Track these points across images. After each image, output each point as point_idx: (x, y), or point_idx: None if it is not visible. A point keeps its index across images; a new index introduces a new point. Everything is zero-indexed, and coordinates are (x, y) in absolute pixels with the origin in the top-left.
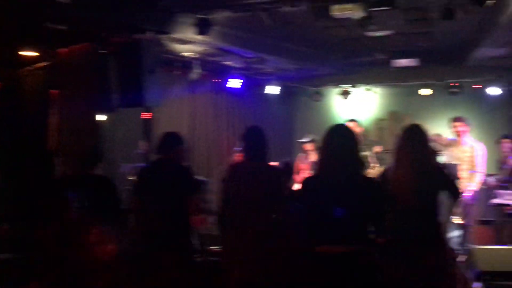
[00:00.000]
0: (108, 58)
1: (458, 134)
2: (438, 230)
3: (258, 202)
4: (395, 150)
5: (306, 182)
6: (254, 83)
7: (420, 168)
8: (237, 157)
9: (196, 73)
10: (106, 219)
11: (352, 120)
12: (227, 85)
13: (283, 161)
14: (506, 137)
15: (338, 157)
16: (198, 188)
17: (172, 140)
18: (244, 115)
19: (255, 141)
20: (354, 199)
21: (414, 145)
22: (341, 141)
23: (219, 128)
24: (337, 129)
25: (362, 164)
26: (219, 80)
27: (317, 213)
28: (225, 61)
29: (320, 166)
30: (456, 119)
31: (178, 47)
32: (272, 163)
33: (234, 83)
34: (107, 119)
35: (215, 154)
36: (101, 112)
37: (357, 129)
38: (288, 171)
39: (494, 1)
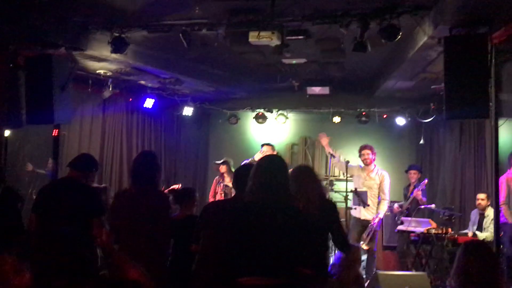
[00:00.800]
0: (17, 72)
1: (366, 161)
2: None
3: (141, 228)
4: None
5: (220, 207)
6: (169, 104)
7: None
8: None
9: (109, 91)
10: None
11: (267, 144)
12: (142, 105)
13: (184, 187)
14: (414, 167)
15: (269, 187)
16: (103, 210)
17: (86, 162)
18: (159, 136)
19: (144, 167)
20: (281, 229)
21: (309, 183)
22: (273, 171)
23: (131, 148)
24: (271, 159)
25: (291, 195)
26: (133, 99)
27: (241, 242)
28: (140, 80)
29: (250, 194)
30: (364, 147)
31: (92, 64)
32: (175, 186)
33: (149, 102)
34: (14, 135)
35: (126, 174)
36: (9, 127)
37: (271, 153)
38: (187, 195)
39: (402, 37)
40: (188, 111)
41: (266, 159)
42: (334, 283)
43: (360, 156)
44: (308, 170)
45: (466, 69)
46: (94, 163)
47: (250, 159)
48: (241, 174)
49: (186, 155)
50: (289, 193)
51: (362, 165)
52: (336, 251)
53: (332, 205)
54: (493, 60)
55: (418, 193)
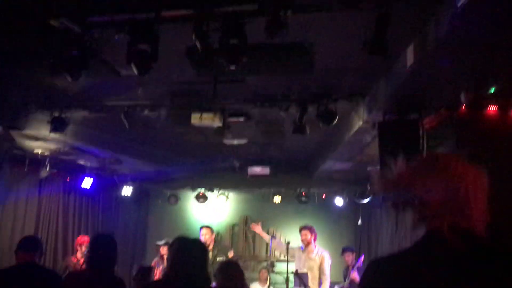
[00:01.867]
0: None
1: (305, 242)
2: None
3: None
4: None
5: None
6: (108, 183)
7: None
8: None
9: (46, 171)
10: None
11: (205, 227)
12: (80, 184)
13: (140, 265)
14: (348, 249)
15: (187, 270)
16: None
17: (35, 242)
18: (96, 216)
19: (101, 249)
20: None
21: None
22: (192, 254)
23: (67, 229)
24: (190, 242)
25: (209, 280)
26: (71, 179)
27: None
28: (79, 160)
29: (167, 276)
30: (303, 228)
31: (30, 143)
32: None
33: (87, 182)
34: None
35: (60, 253)
36: None
37: (210, 236)
38: (144, 274)
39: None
40: (127, 191)
41: (184, 241)
42: None
43: (300, 236)
44: (237, 266)
45: (400, 153)
46: (36, 244)
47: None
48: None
49: (124, 236)
50: (206, 274)
51: (303, 245)
52: None
53: None
54: (425, 145)
55: (354, 276)
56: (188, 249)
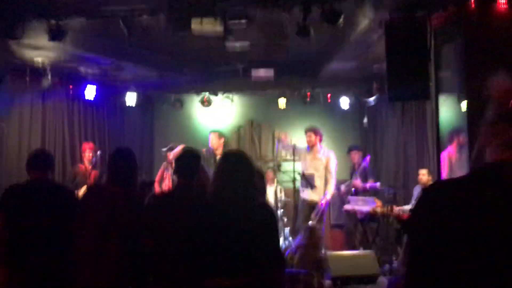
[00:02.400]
0: None
1: (312, 144)
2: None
3: (109, 232)
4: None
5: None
6: (111, 91)
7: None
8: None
9: (48, 80)
10: None
11: (213, 132)
12: (83, 93)
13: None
14: (355, 148)
15: (232, 186)
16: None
17: (45, 161)
18: (102, 124)
19: (120, 164)
20: (245, 227)
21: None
22: (237, 169)
23: (73, 137)
24: (235, 156)
25: (255, 191)
26: (74, 88)
27: (204, 243)
28: (80, 68)
29: (213, 192)
30: (309, 130)
31: (29, 53)
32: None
33: (90, 91)
34: None
35: (69, 164)
36: None
37: (219, 140)
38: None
39: (344, 21)
40: (131, 98)
41: (228, 155)
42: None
43: (306, 138)
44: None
45: (407, 51)
46: (52, 159)
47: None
48: (182, 161)
49: (131, 143)
50: (254, 190)
51: (309, 147)
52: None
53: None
54: (433, 42)
55: (356, 182)
56: (232, 162)
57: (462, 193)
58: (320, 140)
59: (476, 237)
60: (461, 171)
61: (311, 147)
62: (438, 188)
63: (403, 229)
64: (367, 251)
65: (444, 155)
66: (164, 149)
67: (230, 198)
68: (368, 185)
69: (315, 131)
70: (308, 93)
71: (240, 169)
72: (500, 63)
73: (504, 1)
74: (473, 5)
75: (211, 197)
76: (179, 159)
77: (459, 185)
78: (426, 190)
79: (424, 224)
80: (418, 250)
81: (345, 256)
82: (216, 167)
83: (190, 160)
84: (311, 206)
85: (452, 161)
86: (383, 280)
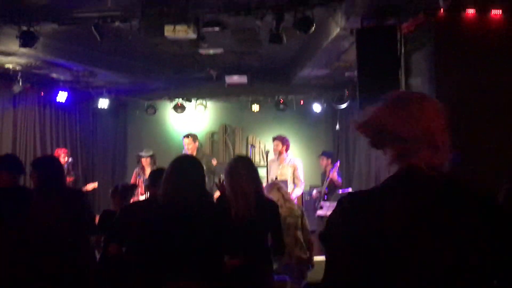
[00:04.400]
0: None
1: (278, 151)
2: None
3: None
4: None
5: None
6: (84, 97)
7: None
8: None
9: (19, 86)
10: None
11: (188, 136)
12: (55, 98)
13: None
14: (323, 154)
15: (184, 187)
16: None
17: (15, 162)
18: (73, 130)
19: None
20: (200, 229)
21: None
22: (187, 170)
23: (45, 143)
24: (184, 159)
25: (206, 193)
26: (45, 94)
27: (162, 246)
28: (52, 74)
29: (165, 196)
30: (276, 138)
31: (1, 59)
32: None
33: (62, 96)
34: None
35: None
36: None
37: (194, 143)
38: (124, 193)
39: (315, 29)
40: (103, 103)
41: (178, 159)
42: None
43: (273, 146)
44: (246, 162)
45: (378, 58)
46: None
47: None
48: (157, 176)
49: (103, 149)
50: (204, 191)
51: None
52: None
53: (271, 203)
54: (403, 50)
55: (334, 175)
56: (182, 165)
57: (375, 201)
58: (287, 149)
59: (389, 242)
60: None
61: (277, 155)
62: (352, 198)
63: (320, 239)
64: None
65: None
66: (144, 154)
67: (183, 199)
68: (340, 190)
69: (282, 139)
70: (281, 100)
71: (192, 170)
72: (469, 70)
73: (472, 9)
74: (442, 13)
75: (164, 199)
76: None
77: (371, 195)
78: (341, 200)
79: (339, 233)
80: (334, 258)
81: (317, 261)
82: (168, 169)
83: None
84: None
85: None
86: None
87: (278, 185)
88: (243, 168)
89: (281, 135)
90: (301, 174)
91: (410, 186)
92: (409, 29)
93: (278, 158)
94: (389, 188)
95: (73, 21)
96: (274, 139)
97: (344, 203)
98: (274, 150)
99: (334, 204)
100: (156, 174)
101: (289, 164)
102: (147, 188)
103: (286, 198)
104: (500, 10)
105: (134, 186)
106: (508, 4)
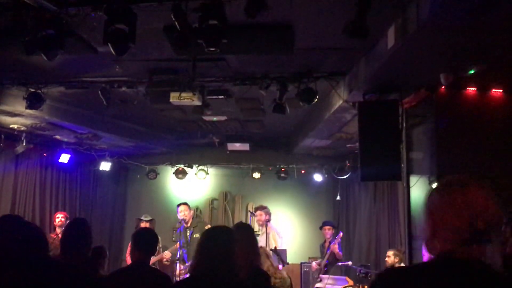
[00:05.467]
0: None
1: (261, 222)
2: None
3: None
4: None
5: None
6: (86, 159)
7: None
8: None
9: (23, 146)
10: None
11: (182, 204)
12: (57, 160)
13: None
14: (327, 223)
15: (213, 260)
16: None
17: None
18: (74, 191)
19: (73, 234)
20: None
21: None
22: (218, 244)
23: (44, 204)
24: (218, 231)
25: (235, 268)
26: (48, 155)
27: None
28: (55, 135)
29: (194, 269)
30: (259, 209)
31: (5, 119)
32: None
33: (64, 158)
34: None
35: None
36: None
37: (190, 212)
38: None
39: (318, 100)
40: (105, 166)
41: (212, 230)
42: None
43: (256, 217)
44: (246, 228)
45: (379, 131)
46: None
47: None
48: (140, 237)
49: (102, 211)
50: (233, 265)
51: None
52: None
53: (265, 276)
54: (404, 124)
55: (334, 247)
56: (215, 237)
57: (413, 281)
58: (269, 220)
59: None
60: None
61: (261, 225)
62: (390, 275)
63: None
64: None
65: None
66: (145, 219)
67: (212, 272)
68: (340, 263)
69: (265, 210)
70: (282, 168)
71: (223, 243)
72: (469, 146)
73: (473, 86)
74: (443, 89)
75: (195, 271)
76: (138, 234)
77: (410, 273)
78: (380, 276)
79: None
80: None
81: None
82: (201, 239)
83: (149, 236)
84: None
85: None
86: None
87: (266, 252)
88: (242, 237)
89: (262, 205)
90: (279, 239)
91: (446, 274)
92: (411, 104)
93: (263, 227)
94: (427, 271)
95: (80, 85)
96: (257, 209)
97: (382, 278)
98: (258, 220)
99: (334, 277)
100: (138, 236)
101: (272, 234)
102: (132, 253)
103: (275, 266)
104: (501, 90)
105: (103, 249)
106: (508, 82)
